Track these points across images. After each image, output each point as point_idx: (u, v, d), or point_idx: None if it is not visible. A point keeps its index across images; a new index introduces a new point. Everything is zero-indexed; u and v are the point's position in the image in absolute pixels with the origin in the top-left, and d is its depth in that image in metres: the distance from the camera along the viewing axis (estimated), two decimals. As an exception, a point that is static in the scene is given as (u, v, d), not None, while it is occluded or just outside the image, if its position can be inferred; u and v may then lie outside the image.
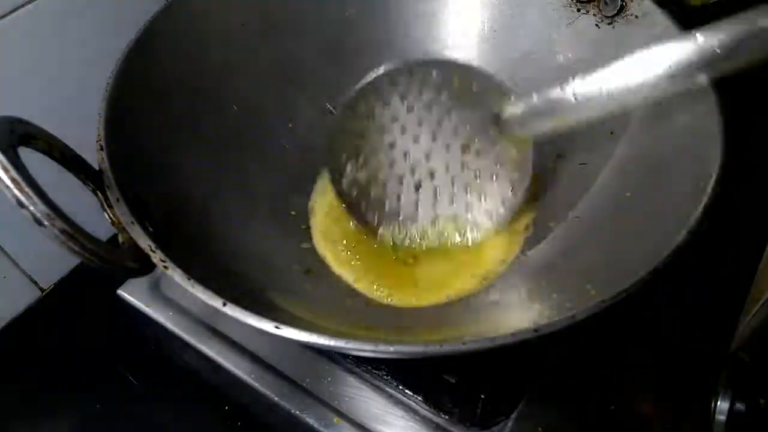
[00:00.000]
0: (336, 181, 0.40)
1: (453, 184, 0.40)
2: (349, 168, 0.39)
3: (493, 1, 0.47)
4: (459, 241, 0.40)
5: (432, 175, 0.40)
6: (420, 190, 0.40)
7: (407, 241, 0.41)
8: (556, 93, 0.34)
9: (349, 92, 0.38)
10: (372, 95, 0.38)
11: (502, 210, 0.40)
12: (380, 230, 0.41)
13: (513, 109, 0.37)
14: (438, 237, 0.40)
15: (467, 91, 0.38)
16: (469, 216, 0.40)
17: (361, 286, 0.40)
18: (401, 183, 0.40)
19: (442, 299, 0.39)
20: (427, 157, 0.39)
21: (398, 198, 0.40)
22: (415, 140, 0.39)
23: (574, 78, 0.33)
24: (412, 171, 0.40)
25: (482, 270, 0.40)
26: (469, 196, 0.40)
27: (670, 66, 0.29)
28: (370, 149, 0.39)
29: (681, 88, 0.30)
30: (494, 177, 0.39)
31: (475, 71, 0.38)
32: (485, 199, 0.40)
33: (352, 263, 0.41)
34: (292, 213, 0.43)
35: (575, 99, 0.33)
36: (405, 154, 0.39)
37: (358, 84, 0.37)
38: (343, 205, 0.40)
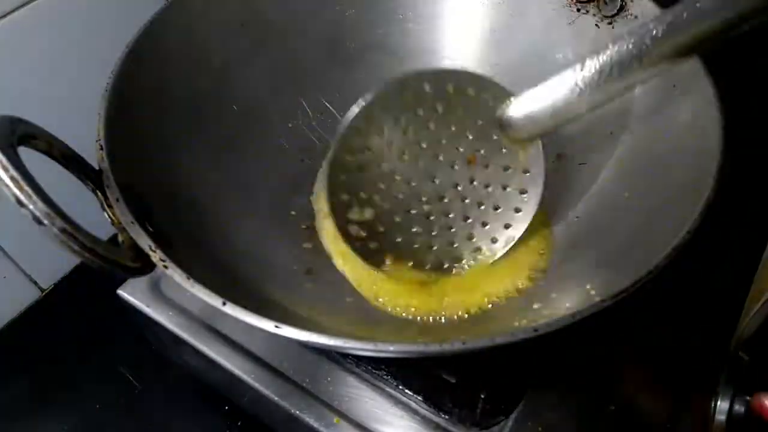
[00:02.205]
0: (341, 225, 0.36)
1: (464, 201, 0.37)
2: (352, 208, 0.36)
3: (493, 1, 0.47)
4: (477, 262, 0.38)
5: (441, 197, 0.37)
6: (431, 217, 0.37)
7: (427, 272, 0.38)
8: (557, 87, 0.33)
9: (338, 128, 0.35)
10: (364, 125, 0.35)
11: (518, 219, 0.38)
12: (397, 268, 0.38)
13: (513, 109, 0.35)
14: (456, 260, 0.38)
15: (463, 97, 0.35)
16: (486, 232, 0.38)
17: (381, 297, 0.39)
18: (409, 213, 0.37)
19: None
20: (432, 178, 0.37)
21: (409, 231, 0.37)
22: (416, 163, 0.36)
23: (572, 70, 0.32)
24: (419, 198, 0.37)
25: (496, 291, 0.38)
26: (482, 211, 0.38)
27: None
28: (371, 184, 0.36)
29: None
30: (506, 186, 0.37)
31: (469, 75, 0.36)
32: (500, 211, 0.38)
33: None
34: (292, 213, 0.43)
35: (578, 91, 0.32)
36: (408, 182, 0.37)
37: (346, 115, 0.35)
38: (353, 250, 0.37)
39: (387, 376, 0.39)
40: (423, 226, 0.38)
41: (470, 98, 0.36)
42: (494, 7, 0.47)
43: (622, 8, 0.41)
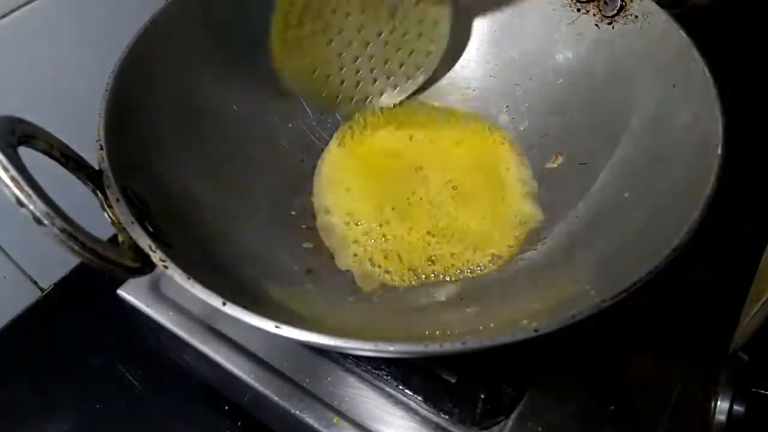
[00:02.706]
0: (281, 70, 0.44)
1: (385, 46, 0.46)
2: (293, 55, 0.44)
3: (493, 1, 0.47)
4: (393, 95, 0.48)
5: (366, 44, 0.46)
6: (358, 60, 0.46)
7: (354, 106, 0.48)
8: None
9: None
10: None
11: (427, 63, 0.47)
12: (333, 105, 0.48)
13: None
14: (378, 94, 0.48)
15: None
16: (402, 70, 0.47)
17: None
18: (341, 57, 0.46)
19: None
20: (360, 29, 0.45)
21: (341, 70, 0.46)
22: (347, 16, 0.44)
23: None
24: (349, 45, 0.45)
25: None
26: (399, 55, 0.47)
27: None
28: (309, 33, 0.44)
29: None
30: (419, 35, 0.46)
31: None
32: (413, 56, 0.47)
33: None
34: (292, 213, 0.44)
35: None
36: (340, 31, 0.45)
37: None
38: (296, 89, 0.46)
39: (387, 376, 0.39)
40: (351, 67, 0.47)
41: None
42: (495, 7, 0.47)
43: (622, 8, 0.41)
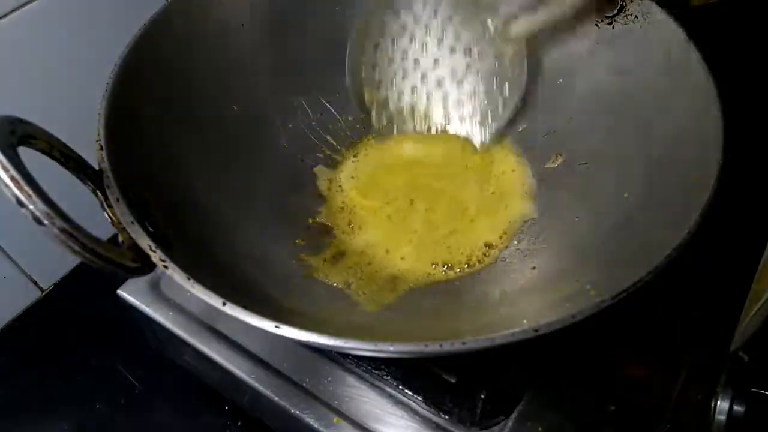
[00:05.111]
0: (357, 93, 0.44)
1: (460, 86, 0.44)
2: (366, 80, 0.44)
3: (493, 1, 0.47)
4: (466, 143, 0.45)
5: (440, 80, 0.45)
6: (431, 96, 0.45)
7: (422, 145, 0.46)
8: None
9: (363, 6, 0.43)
10: (383, 8, 0.43)
11: (501, 110, 0.44)
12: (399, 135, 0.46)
13: (505, 11, 0.41)
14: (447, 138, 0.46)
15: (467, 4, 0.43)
16: (475, 117, 0.45)
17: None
18: (414, 91, 0.45)
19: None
20: (436, 62, 0.44)
21: (412, 106, 0.46)
22: (424, 47, 0.44)
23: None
24: (423, 78, 0.45)
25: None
26: (474, 97, 0.45)
27: None
28: (385, 60, 0.44)
29: None
30: (495, 78, 0.44)
31: None
32: (488, 100, 0.44)
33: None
34: (292, 213, 0.44)
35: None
36: (416, 62, 0.44)
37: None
38: (364, 115, 0.45)
39: (387, 376, 0.39)
40: (423, 103, 0.46)
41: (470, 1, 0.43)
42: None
43: (622, 8, 0.41)
